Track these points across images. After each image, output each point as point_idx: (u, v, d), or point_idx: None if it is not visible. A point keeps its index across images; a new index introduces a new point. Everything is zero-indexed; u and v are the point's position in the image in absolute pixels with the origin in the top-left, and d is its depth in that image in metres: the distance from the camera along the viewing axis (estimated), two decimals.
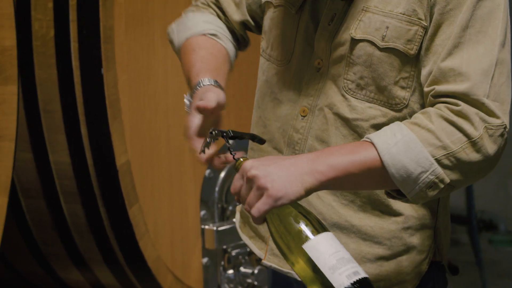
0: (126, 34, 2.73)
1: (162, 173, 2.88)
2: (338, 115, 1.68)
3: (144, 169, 2.82)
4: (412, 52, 1.62)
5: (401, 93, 1.64)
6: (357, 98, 1.66)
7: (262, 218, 1.51)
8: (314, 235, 1.50)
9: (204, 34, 1.84)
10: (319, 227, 1.52)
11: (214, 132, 1.63)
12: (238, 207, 1.93)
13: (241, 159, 1.58)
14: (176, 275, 2.90)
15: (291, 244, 1.51)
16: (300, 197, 1.52)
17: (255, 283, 3.07)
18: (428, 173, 1.53)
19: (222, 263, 3.03)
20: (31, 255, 2.99)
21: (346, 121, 1.67)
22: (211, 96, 1.66)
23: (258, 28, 1.90)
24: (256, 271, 3.06)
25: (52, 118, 2.73)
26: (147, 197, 2.82)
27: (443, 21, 1.58)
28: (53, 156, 2.76)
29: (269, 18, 1.78)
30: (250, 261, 3.10)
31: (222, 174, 3.04)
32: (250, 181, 1.51)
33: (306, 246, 1.49)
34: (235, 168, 1.59)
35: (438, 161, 1.53)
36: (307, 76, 1.71)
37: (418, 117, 1.57)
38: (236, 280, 3.07)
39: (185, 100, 1.75)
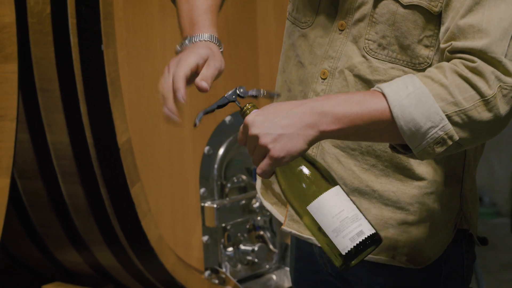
0: (125, 10, 2.68)
1: (162, 151, 2.84)
2: (359, 77, 1.65)
3: (144, 147, 2.78)
4: (436, 9, 1.59)
5: (424, 52, 1.61)
6: (379, 59, 1.63)
7: (268, 176, 1.51)
8: (317, 195, 1.49)
9: None
10: (324, 183, 1.50)
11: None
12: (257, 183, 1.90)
13: (248, 107, 1.56)
14: (178, 254, 2.87)
15: (296, 202, 1.51)
16: (303, 152, 1.51)
17: (255, 260, 3.05)
18: (437, 128, 1.50)
19: (222, 241, 3.01)
20: (28, 237, 2.94)
21: (368, 83, 1.65)
22: (209, 73, 1.64)
23: None
24: (256, 249, 3.04)
25: (50, 97, 2.68)
26: (148, 175, 2.78)
27: None
28: (50, 136, 2.71)
29: None
30: (249, 239, 3.08)
31: (221, 151, 3.01)
32: (252, 139, 1.50)
33: (310, 208, 1.48)
34: (241, 114, 1.57)
35: (448, 117, 1.50)
36: (330, 38, 1.69)
37: (432, 71, 1.54)
38: (236, 258, 3.05)
39: (177, 47, 1.72)
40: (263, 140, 1.49)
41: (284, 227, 1.79)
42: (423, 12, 1.60)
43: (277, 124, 1.49)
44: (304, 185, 1.50)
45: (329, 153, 1.69)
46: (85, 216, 2.78)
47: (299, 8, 1.74)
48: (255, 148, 1.50)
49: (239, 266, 3.05)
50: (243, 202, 3.04)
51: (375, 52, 1.64)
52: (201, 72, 1.63)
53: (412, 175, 1.68)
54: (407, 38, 1.61)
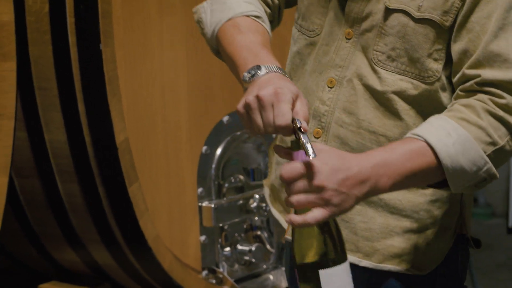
0: (122, 8, 2.68)
1: (159, 150, 2.84)
2: (368, 87, 1.65)
3: (141, 146, 2.78)
4: (447, 24, 1.59)
5: (433, 65, 1.61)
6: (387, 70, 1.63)
7: (311, 224, 1.46)
8: (333, 264, 1.48)
9: (248, 16, 1.71)
10: (342, 254, 1.49)
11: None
12: (266, 181, 1.89)
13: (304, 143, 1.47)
14: (175, 254, 2.86)
15: (309, 260, 1.49)
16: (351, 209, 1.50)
17: (252, 260, 3.05)
18: (482, 171, 1.55)
19: (220, 240, 3.01)
20: (24, 235, 2.94)
21: (376, 94, 1.64)
22: (306, 110, 1.50)
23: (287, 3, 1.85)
24: (253, 249, 3.04)
25: (47, 96, 2.67)
26: (145, 175, 2.78)
27: None
28: (48, 134, 2.71)
29: None
30: (247, 239, 3.08)
31: (219, 151, 3.01)
32: (316, 188, 1.45)
33: (322, 273, 1.47)
34: (294, 144, 1.48)
35: (488, 157, 1.55)
36: (337, 46, 1.67)
37: (464, 111, 1.56)
38: (233, 258, 3.04)
39: (246, 75, 1.57)
40: (329, 195, 1.45)
41: (287, 236, 1.79)
42: (435, 26, 1.60)
43: (346, 182, 1.46)
44: (325, 248, 1.49)
45: None
46: (82, 215, 2.78)
47: (305, 16, 1.73)
48: (311, 192, 1.45)
49: (236, 266, 3.05)
50: (241, 202, 3.04)
51: (384, 64, 1.63)
52: (300, 110, 1.50)
53: None
54: (417, 51, 1.61)
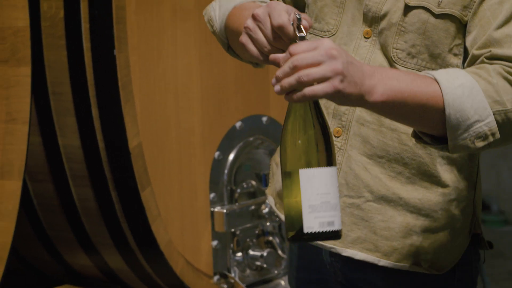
0: (136, 14, 2.69)
1: (172, 156, 2.85)
2: None
3: (155, 151, 2.79)
4: (466, 18, 1.60)
5: (454, 60, 1.62)
6: (408, 68, 1.64)
7: (303, 100, 1.43)
8: (317, 165, 1.42)
9: (254, 1, 1.73)
10: (328, 158, 1.43)
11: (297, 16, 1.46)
12: (268, 190, 1.90)
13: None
14: (187, 258, 2.87)
15: (293, 157, 1.44)
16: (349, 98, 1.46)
17: (264, 265, 3.06)
18: (483, 123, 1.52)
19: (231, 246, 3.02)
20: (38, 239, 2.95)
21: None
22: (279, 12, 1.47)
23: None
24: (265, 254, 3.05)
25: (62, 100, 2.69)
26: (158, 180, 2.79)
27: None
28: (62, 139, 2.72)
29: None
30: (258, 244, 3.08)
31: (231, 156, 3.02)
32: (327, 57, 1.41)
33: (302, 172, 1.41)
34: (297, 29, 1.45)
35: (493, 114, 1.52)
36: (355, 46, 1.68)
37: (476, 70, 1.55)
38: (245, 263, 3.05)
39: None
40: (341, 66, 1.41)
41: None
42: (455, 21, 1.61)
43: (351, 65, 1.43)
44: (311, 148, 1.44)
45: (355, 161, 1.69)
46: (95, 219, 2.79)
47: (319, 17, 1.74)
48: (319, 63, 1.41)
49: (248, 271, 3.06)
50: (253, 207, 3.04)
51: (404, 61, 1.64)
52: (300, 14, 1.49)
53: (437, 182, 1.69)
54: (438, 47, 1.62)
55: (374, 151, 1.67)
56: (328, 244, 1.73)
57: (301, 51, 1.41)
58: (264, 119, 3.08)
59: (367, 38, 1.67)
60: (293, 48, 1.42)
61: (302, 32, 1.44)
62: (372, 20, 1.66)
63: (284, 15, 1.46)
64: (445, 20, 1.61)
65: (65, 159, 2.75)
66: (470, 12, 1.60)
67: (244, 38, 1.50)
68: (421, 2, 1.61)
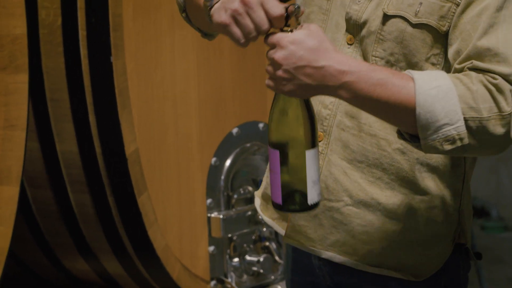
0: (134, 21, 2.71)
1: (170, 161, 2.87)
2: None
3: (152, 157, 2.81)
4: (444, 28, 1.62)
5: (431, 69, 1.64)
6: None
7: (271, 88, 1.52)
8: (315, 145, 1.55)
9: None
10: (317, 138, 1.56)
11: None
12: (257, 193, 1.92)
13: (293, 27, 1.52)
14: (184, 264, 2.89)
15: (298, 140, 1.54)
16: (306, 97, 1.54)
17: (261, 271, 3.08)
18: (452, 126, 1.53)
19: (228, 251, 3.03)
20: (37, 245, 2.97)
21: None
22: (276, 1, 1.51)
23: None
24: (261, 259, 3.07)
25: (59, 107, 2.71)
26: (155, 185, 2.81)
27: (473, 0, 1.59)
28: (60, 145, 2.75)
29: None
30: (255, 249, 3.10)
31: (228, 162, 3.04)
32: (274, 61, 1.50)
33: (308, 153, 1.53)
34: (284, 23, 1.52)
35: (465, 120, 1.53)
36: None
37: (460, 75, 1.57)
38: (242, 268, 3.07)
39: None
40: (281, 73, 1.50)
41: (285, 238, 1.81)
42: (432, 31, 1.63)
43: (301, 70, 1.50)
44: (310, 130, 1.54)
45: (335, 165, 1.71)
46: (92, 225, 2.81)
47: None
48: (271, 65, 1.51)
49: (245, 276, 3.07)
50: (249, 213, 3.06)
51: None
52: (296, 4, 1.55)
53: (416, 189, 1.70)
54: (415, 56, 1.64)
55: (354, 156, 1.69)
56: (308, 246, 1.75)
57: (270, 43, 1.50)
58: (261, 125, 3.10)
59: (350, 44, 1.69)
60: (269, 38, 1.51)
61: (299, 22, 1.51)
62: (354, 27, 1.69)
63: (282, 6, 1.49)
64: (422, 29, 1.63)
65: (63, 165, 2.77)
66: (447, 22, 1.62)
67: (229, 20, 1.52)
68: (398, 11, 1.64)
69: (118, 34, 2.62)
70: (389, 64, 1.65)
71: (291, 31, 1.50)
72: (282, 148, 1.55)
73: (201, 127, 2.94)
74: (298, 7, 1.50)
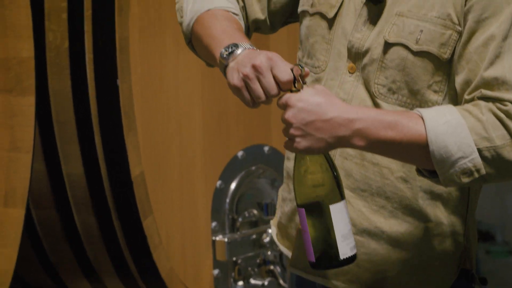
0: (140, 44, 2.73)
1: (174, 184, 2.87)
2: None
3: (157, 180, 2.82)
4: (445, 56, 1.63)
5: (433, 97, 1.65)
6: (389, 103, 1.67)
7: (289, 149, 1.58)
8: (341, 199, 1.57)
9: (227, 11, 1.79)
10: (343, 191, 1.58)
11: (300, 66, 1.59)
12: (272, 222, 1.93)
13: (300, 86, 1.57)
14: (188, 287, 2.89)
15: (321, 195, 1.57)
16: (323, 153, 1.58)
17: None
18: (467, 159, 1.56)
19: (233, 274, 3.03)
20: (41, 266, 2.97)
21: None
22: (285, 67, 1.57)
23: (271, 29, 1.90)
24: (266, 283, 3.06)
25: (65, 129, 2.72)
26: (160, 208, 2.82)
27: (477, 29, 1.60)
28: (65, 167, 2.75)
29: (305, 26, 1.78)
30: (260, 273, 3.09)
31: (233, 185, 3.04)
32: (286, 121, 1.56)
33: (333, 207, 1.55)
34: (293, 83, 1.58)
35: (479, 151, 1.56)
36: (341, 80, 1.72)
37: (469, 106, 1.59)
38: None
39: (223, 51, 1.64)
40: (293, 131, 1.55)
41: (290, 267, 1.81)
42: (433, 59, 1.64)
43: (311, 125, 1.54)
44: (334, 184, 1.57)
45: None
46: (97, 247, 2.81)
47: (310, 54, 1.78)
48: (285, 125, 1.57)
49: None
50: (254, 236, 3.06)
51: (385, 96, 1.67)
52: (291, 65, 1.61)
53: (420, 217, 1.70)
54: (417, 83, 1.65)
55: (357, 184, 1.70)
56: (313, 275, 1.75)
57: (279, 105, 1.58)
58: (266, 148, 3.11)
59: (352, 73, 1.71)
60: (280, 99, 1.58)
61: (305, 81, 1.57)
62: (356, 55, 1.70)
63: (289, 70, 1.55)
64: (423, 57, 1.64)
65: (68, 187, 2.77)
66: (448, 49, 1.63)
67: (240, 84, 1.57)
68: (399, 39, 1.65)
69: (124, 57, 2.64)
70: (391, 91, 1.66)
71: (298, 91, 1.56)
72: (308, 206, 1.58)
73: (205, 150, 2.95)
74: (303, 68, 1.55)
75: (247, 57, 1.58)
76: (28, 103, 2.38)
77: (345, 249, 1.56)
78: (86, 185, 2.74)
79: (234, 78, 1.58)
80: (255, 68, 1.55)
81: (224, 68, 1.62)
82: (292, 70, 1.55)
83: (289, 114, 1.55)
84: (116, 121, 2.65)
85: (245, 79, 1.56)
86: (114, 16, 2.60)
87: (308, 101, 1.55)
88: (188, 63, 2.87)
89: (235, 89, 1.58)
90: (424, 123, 1.56)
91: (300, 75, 1.55)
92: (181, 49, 2.84)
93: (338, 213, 1.55)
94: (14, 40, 2.33)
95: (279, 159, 3.10)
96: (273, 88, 1.54)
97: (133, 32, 2.70)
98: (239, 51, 1.61)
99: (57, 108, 2.72)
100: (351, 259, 1.57)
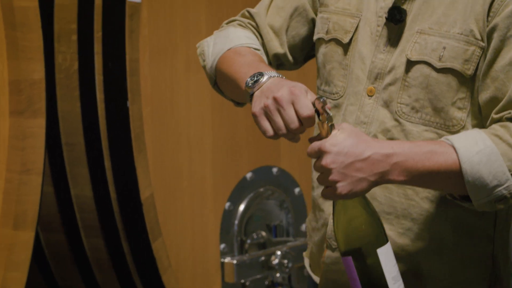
0: (150, 65, 2.72)
1: (184, 206, 2.86)
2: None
3: (167, 201, 2.80)
4: (469, 72, 1.63)
5: (458, 114, 1.64)
6: (412, 122, 1.66)
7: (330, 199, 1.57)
8: (386, 241, 1.55)
9: (249, 47, 1.79)
10: (385, 232, 1.57)
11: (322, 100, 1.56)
12: (305, 253, 1.91)
13: (327, 126, 1.56)
14: None
15: (367, 241, 1.55)
16: (364, 193, 1.56)
17: None
18: (502, 187, 1.56)
19: None
20: None
21: None
22: (306, 102, 1.55)
23: (294, 64, 1.89)
24: None
25: (74, 151, 2.71)
26: (169, 230, 2.80)
27: (503, 47, 1.60)
28: (74, 189, 2.74)
29: (322, 54, 1.78)
30: None
31: (242, 207, 3.03)
32: (323, 168, 1.54)
33: (380, 250, 1.54)
34: (319, 124, 1.56)
35: None
36: (359, 104, 1.71)
37: (499, 129, 1.59)
38: None
39: (249, 81, 1.62)
40: (334, 177, 1.53)
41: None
42: (456, 75, 1.63)
43: (351, 167, 1.53)
44: (377, 228, 1.56)
45: None
46: (106, 270, 2.79)
47: (328, 81, 1.77)
48: (322, 173, 1.55)
49: None
50: (263, 258, 3.05)
51: (408, 115, 1.66)
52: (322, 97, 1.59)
53: (445, 238, 1.69)
54: (441, 101, 1.64)
55: (382, 207, 1.69)
56: None
57: (310, 154, 1.56)
58: (275, 170, 3.10)
59: (371, 96, 1.70)
60: (308, 149, 1.56)
61: (329, 113, 1.54)
62: (377, 77, 1.69)
63: (311, 106, 1.53)
64: (447, 74, 1.64)
65: (77, 210, 2.76)
66: (472, 65, 1.62)
67: (259, 112, 1.56)
68: (422, 56, 1.64)
69: (134, 79, 2.63)
70: (414, 110, 1.65)
71: (331, 127, 1.54)
72: (354, 253, 1.56)
73: (215, 172, 2.94)
74: (324, 101, 1.53)
75: (271, 87, 1.57)
76: (39, 125, 2.37)
77: None
78: (95, 207, 2.73)
79: (256, 106, 1.57)
80: (276, 100, 1.54)
81: (250, 97, 1.61)
82: (313, 104, 1.53)
83: (327, 160, 1.52)
84: (126, 143, 2.64)
85: (266, 110, 1.55)
86: (125, 38, 2.60)
87: (343, 144, 1.53)
88: (198, 85, 2.86)
89: (254, 117, 1.57)
90: (457, 154, 1.56)
91: (322, 107, 1.53)
92: (191, 70, 2.84)
93: (385, 255, 1.54)
94: (26, 62, 2.32)
95: (288, 180, 3.09)
96: (293, 121, 1.52)
97: (143, 54, 2.69)
98: (264, 78, 1.60)
99: (66, 130, 2.71)
100: None
